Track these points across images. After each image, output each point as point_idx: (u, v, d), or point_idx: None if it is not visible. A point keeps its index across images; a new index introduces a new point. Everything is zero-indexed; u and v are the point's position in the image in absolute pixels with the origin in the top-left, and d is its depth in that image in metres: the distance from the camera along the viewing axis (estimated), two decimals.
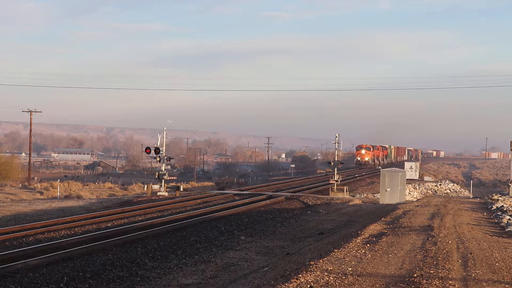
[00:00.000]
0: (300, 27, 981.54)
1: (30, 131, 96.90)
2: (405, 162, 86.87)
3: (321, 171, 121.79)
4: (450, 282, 13.44)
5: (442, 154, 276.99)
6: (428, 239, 19.84)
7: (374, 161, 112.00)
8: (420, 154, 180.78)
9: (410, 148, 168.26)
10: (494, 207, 34.85)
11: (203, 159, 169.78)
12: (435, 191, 67.04)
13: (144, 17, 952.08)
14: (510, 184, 51.66)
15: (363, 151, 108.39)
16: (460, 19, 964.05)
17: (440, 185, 71.68)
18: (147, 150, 49.77)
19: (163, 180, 48.57)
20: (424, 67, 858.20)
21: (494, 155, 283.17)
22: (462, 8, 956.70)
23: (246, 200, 43.23)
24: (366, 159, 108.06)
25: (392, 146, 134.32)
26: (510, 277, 14.41)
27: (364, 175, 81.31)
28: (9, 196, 61.36)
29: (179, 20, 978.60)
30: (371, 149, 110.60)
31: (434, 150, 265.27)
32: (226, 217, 32.57)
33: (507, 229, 24.01)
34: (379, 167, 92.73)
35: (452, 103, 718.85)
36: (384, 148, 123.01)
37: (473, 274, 14.46)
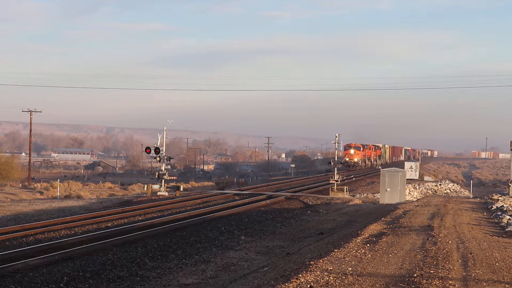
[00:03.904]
0: (300, 27, 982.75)
1: (30, 131, 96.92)
2: (405, 162, 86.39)
3: (321, 171, 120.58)
4: (450, 282, 13.44)
5: (435, 154, 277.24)
6: (428, 239, 19.84)
7: (365, 162, 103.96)
8: (418, 154, 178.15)
9: (407, 148, 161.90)
10: (494, 207, 34.83)
11: (203, 159, 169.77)
12: (435, 191, 66.99)
13: (144, 17, 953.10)
14: (510, 184, 51.62)
15: (351, 151, 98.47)
16: (460, 19, 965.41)
17: (440, 185, 71.62)
18: (147, 150, 49.73)
19: (163, 180, 48.55)
20: (424, 67, 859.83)
21: (483, 155, 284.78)
22: (462, 8, 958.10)
23: (246, 200, 43.22)
24: (355, 159, 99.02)
25: (386, 146, 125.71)
26: (510, 277, 14.41)
27: (353, 177, 76.22)
28: (9, 196, 61.36)
29: (179, 20, 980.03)
30: (361, 149, 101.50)
31: (429, 150, 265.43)
32: (226, 217, 32.57)
33: (507, 229, 24.01)
34: (379, 167, 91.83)
35: (452, 103, 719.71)
36: (377, 148, 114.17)
37: (473, 274, 14.46)
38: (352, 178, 75.08)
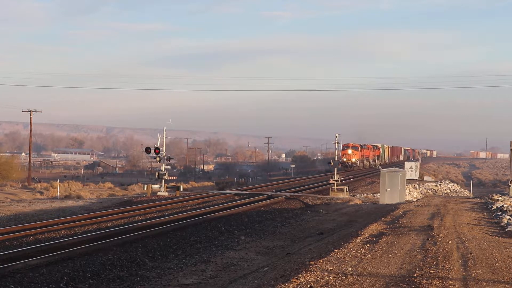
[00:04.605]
0: (300, 27, 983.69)
1: (30, 131, 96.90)
2: (405, 162, 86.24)
3: (321, 171, 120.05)
4: (450, 282, 13.44)
5: (434, 154, 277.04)
6: (428, 239, 19.84)
7: (363, 162, 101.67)
8: (418, 154, 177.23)
9: (407, 148, 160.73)
10: (494, 207, 34.84)
11: (203, 159, 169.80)
12: (435, 191, 66.97)
13: (144, 17, 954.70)
14: (510, 184, 51.65)
15: (349, 151, 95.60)
16: (460, 19, 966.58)
17: (440, 185, 71.59)
18: (147, 150, 49.71)
19: (163, 180, 48.54)
20: (424, 67, 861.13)
21: (482, 155, 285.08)
22: (462, 8, 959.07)
23: (246, 200, 43.21)
24: (353, 160, 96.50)
25: (385, 146, 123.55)
26: (510, 277, 14.41)
27: (351, 178, 74.20)
28: (9, 196, 61.31)
29: (179, 20, 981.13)
30: (359, 149, 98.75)
31: (428, 150, 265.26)
32: (226, 217, 32.56)
33: (507, 229, 24.01)
34: (379, 167, 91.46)
35: (452, 103, 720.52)
36: (375, 148, 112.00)
37: (473, 274, 14.46)
38: (350, 179, 74.10)
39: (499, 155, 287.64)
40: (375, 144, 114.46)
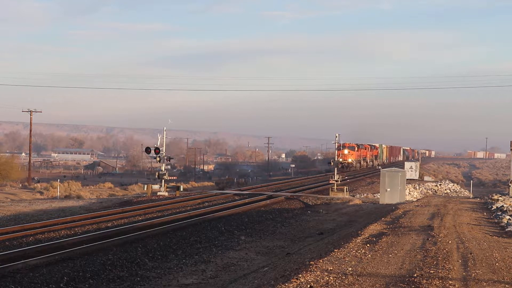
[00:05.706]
0: (300, 27, 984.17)
1: (30, 131, 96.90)
2: (405, 162, 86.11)
3: (321, 171, 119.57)
4: (450, 282, 13.44)
5: (433, 154, 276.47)
6: (428, 239, 19.83)
7: (360, 163, 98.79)
8: (417, 154, 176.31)
9: (406, 148, 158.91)
10: (494, 207, 34.82)
11: (203, 159, 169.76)
12: (435, 191, 66.96)
13: (144, 17, 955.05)
14: (510, 184, 51.65)
15: (345, 151, 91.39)
16: (460, 19, 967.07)
17: (440, 185, 71.57)
18: (147, 150, 49.71)
19: (163, 180, 48.54)
20: (424, 67, 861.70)
21: (479, 155, 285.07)
22: (462, 8, 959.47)
23: (246, 200, 43.21)
24: (350, 160, 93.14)
25: (383, 145, 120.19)
26: (510, 277, 14.40)
27: (347, 179, 71.44)
28: (9, 196, 61.32)
29: (179, 20, 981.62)
30: (355, 149, 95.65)
31: (427, 150, 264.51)
32: (226, 217, 32.56)
33: (507, 229, 24.00)
34: (379, 167, 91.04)
35: (452, 103, 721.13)
36: (373, 148, 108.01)
37: (473, 274, 14.46)
38: (346, 179, 72.69)
39: (496, 155, 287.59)
40: (373, 144, 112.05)
